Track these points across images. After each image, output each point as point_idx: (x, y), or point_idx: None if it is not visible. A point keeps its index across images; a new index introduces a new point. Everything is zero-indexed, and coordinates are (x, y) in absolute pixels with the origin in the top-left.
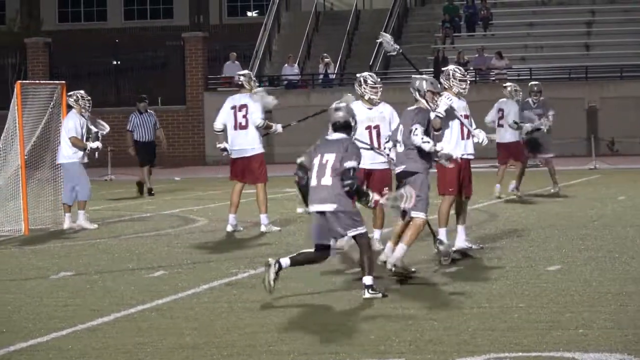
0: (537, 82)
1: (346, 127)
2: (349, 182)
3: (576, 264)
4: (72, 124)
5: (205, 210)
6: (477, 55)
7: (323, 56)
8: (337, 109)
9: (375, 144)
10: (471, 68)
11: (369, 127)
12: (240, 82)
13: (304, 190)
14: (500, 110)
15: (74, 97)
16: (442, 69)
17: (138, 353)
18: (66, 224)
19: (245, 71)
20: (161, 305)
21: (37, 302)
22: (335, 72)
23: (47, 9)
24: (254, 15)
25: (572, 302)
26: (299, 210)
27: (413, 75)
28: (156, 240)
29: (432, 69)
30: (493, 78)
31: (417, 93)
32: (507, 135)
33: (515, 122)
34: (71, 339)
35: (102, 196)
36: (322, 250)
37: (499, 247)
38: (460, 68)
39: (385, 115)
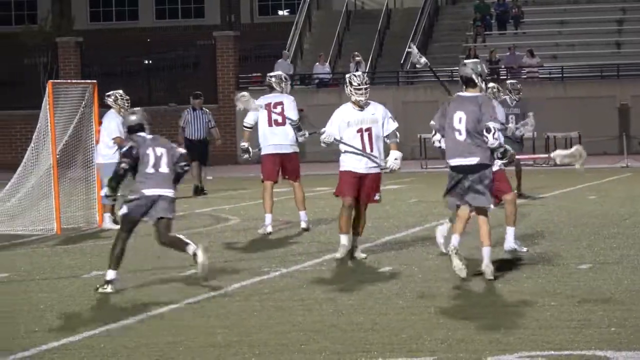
0: (516, 81)
1: (141, 129)
2: (183, 163)
3: (608, 262)
4: (114, 124)
5: (237, 209)
6: (508, 53)
7: (354, 55)
8: (131, 113)
9: (368, 148)
10: (502, 66)
11: (360, 130)
12: (269, 83)
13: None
14: None
15: (113, 97)
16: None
17: (170, 352)
18: (106, 224)
19: (277, 72)
20: (193, 304)
21: (69, 302)
22: (367, 70)
23: (78, 8)
24: (285, 14)
25: (604, 300)
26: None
27: (465, 61)
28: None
29: None
30: (524, 76)
31: (479, 78)
32: None
33: (502, 123)
34: (103, 338)
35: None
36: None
37: (531, 246)
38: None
39: (377, 117)
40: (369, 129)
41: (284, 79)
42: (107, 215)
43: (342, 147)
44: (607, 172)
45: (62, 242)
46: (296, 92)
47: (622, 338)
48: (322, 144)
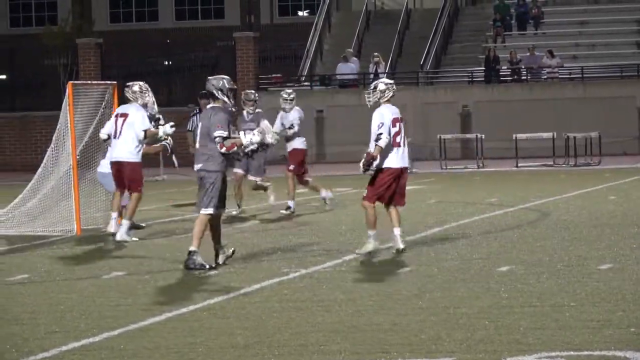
0: (252, 91)
1: None
2: None
3: (628, 263)
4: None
5: (255, 209)
6: (528, 54)
7: (373, 55)
8: None
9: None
10: (522, 67)
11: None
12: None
13: None
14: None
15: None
16: None
17: (189, 353)
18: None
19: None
20: (213, 305)
21: (89, 302)
22: (386, 71)
23: (99, 9)
24: (305, 15)
25: (623, 300)
26: None
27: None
28: (207, 240)
29: (484, 68)
30: (545, 77)
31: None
32: (295, 143)
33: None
34: (123, 338)
35: (154, 196)
36: None
37: (550, 246)
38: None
39: None
40: None
41: (143, 89)
42: (116, 220)
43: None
44: (628, 172)
45: (82, 243)
46: (315, 93)
47: None
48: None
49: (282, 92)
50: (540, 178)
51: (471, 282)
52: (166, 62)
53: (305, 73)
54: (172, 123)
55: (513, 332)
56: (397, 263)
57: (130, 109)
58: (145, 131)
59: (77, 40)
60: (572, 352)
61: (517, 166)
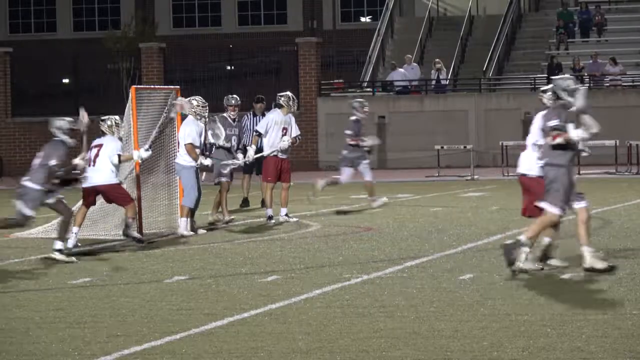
0: (233, 95)
1: None
2: None
3: None
4: (188, 130)
5: (318, 215)
6: (591, 61)
7: (435, 62)
8: None
9: None
10: (585, 74)
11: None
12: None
13: None
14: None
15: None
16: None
17: (251, 357)
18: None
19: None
20: (274, 310)
21: (151, 306)
22: (448, 77)
23: (161, 14)
24: (368, 20)
25: None
26: None
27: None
28: (269, 245)
29: (546, 75)
30: (607, 84)
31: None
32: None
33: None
34: (185, 342)
35: (214, 201)
36: None
37: (613, 254)
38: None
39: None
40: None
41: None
42: (183, 220)
43: None
44: None
45: (144, 247)
46: (377, 99)
47: None
48: None
49: (287, 94)
50: (602, 186)
51: (533, 289)
52: (228, 67)
53: (367, 79)
54: (146, 147)
55: (575, 339)
56: (459, 270)
57: (105, 140)
58: (119, 155)
59: (140, 44)
60: None
61: (579, 173)
